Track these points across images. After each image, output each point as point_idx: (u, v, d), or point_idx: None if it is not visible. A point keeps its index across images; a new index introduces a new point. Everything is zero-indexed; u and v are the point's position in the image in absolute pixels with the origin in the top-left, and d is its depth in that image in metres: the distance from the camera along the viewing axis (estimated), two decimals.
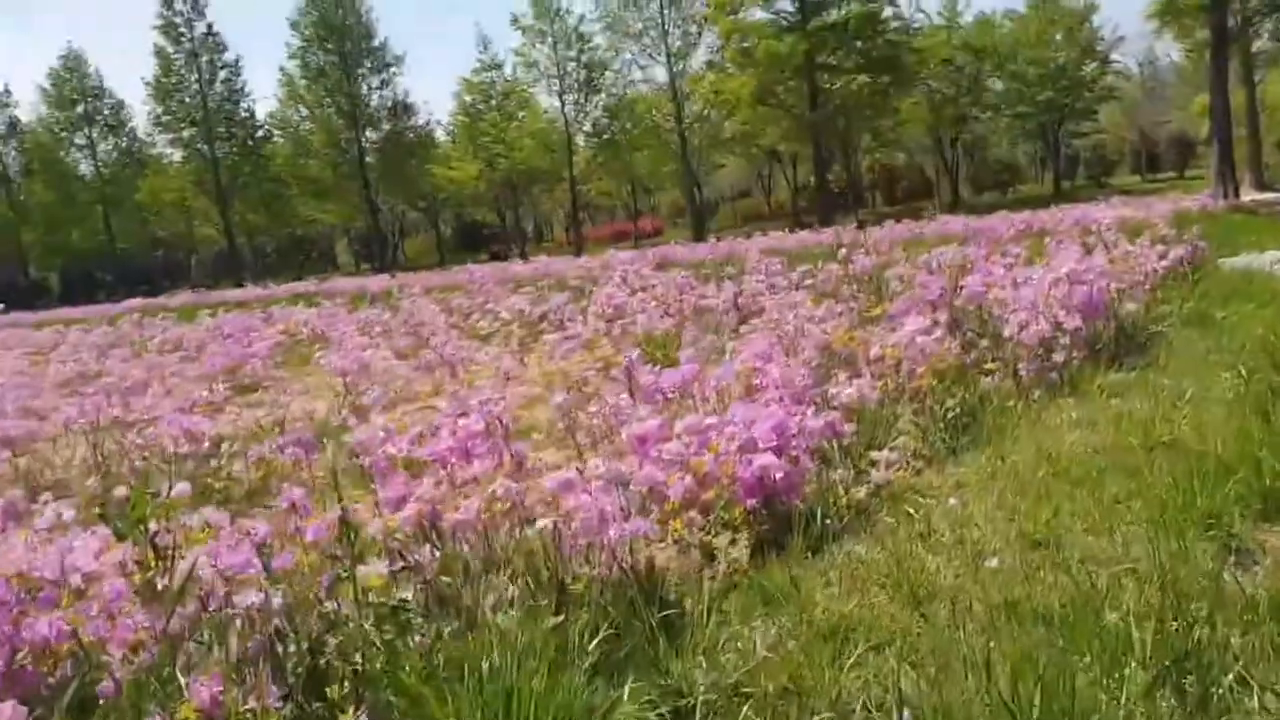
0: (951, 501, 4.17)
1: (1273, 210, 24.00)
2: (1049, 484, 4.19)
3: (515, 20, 46.39)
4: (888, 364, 5.89)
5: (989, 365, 5.94)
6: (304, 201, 52.19)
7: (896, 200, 60.88)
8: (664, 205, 79.60)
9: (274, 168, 51.22)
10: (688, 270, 16.25)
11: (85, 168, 57.34)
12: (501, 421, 4.05)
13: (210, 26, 52.68)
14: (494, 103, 48.75)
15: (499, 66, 48.27)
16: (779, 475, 3.79)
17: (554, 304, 12.75)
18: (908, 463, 4.73)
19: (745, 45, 33.12)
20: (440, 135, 55.06)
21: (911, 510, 4.08)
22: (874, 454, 4.60)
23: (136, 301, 31.13)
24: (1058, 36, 49.13)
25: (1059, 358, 6.27)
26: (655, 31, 45.23)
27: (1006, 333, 6.24)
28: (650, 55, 46.39)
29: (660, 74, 45.56)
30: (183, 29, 52.10)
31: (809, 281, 11.35)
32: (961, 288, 7.26)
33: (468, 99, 50.45)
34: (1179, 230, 11.16)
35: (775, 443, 3.96)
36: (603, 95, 47.96)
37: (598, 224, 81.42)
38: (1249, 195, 28.33)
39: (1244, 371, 5.85)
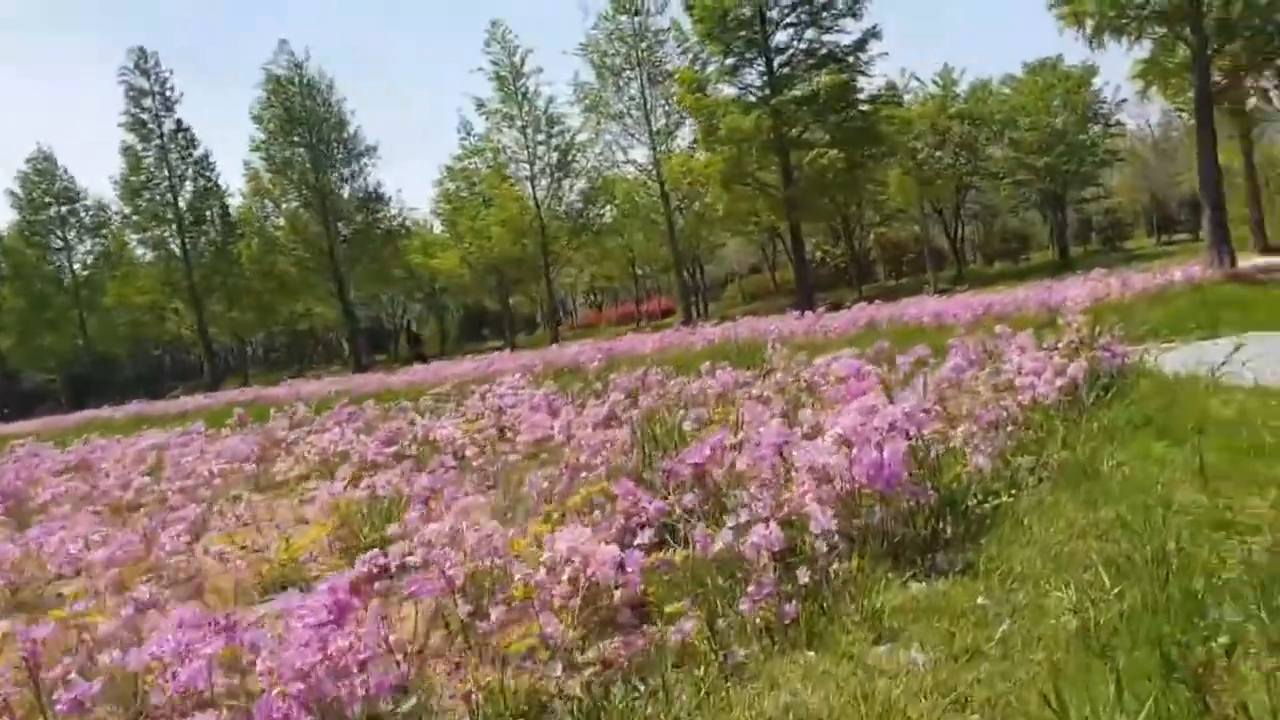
0: None
1: (1273, 277, 22.09)
2: None
3: (480, 105, 45.37)
4: (558, 588, 4.07)
5: (672, 607, 4.00)
6: (281, 298, 50.82)
7: (901, 274, 59.30)
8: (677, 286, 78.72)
9: (242, 266, 49.89)
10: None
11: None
12: None
13: (180, 122, 51.87)
14: (477, 189, 47.50)
15: (482, 152, 47.09)
16: None
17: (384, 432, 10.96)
18: None
19: (712, 123, 31.75)
20: (420, 223, 53.92)
21: None
22: None
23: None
24: (1055, 102, 47.57)
25: (806, 578, 4.20)
26: (638, 111, 44.08)
27: (716, 546, 4.30)
28: (633, 136, 45.22)
29: (643, 155, 44.45)
30: (151, 125, 51.18)
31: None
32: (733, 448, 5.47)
33: (450, 186, 49.36)
34: (1096, 327, 9.24)
35: None
36: (578, 179, 46.77)
37: (618, 305, 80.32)
38: (1251, 261, 26.41)
39: (1079, 598, 3.99)
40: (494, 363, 25.11)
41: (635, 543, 4.48)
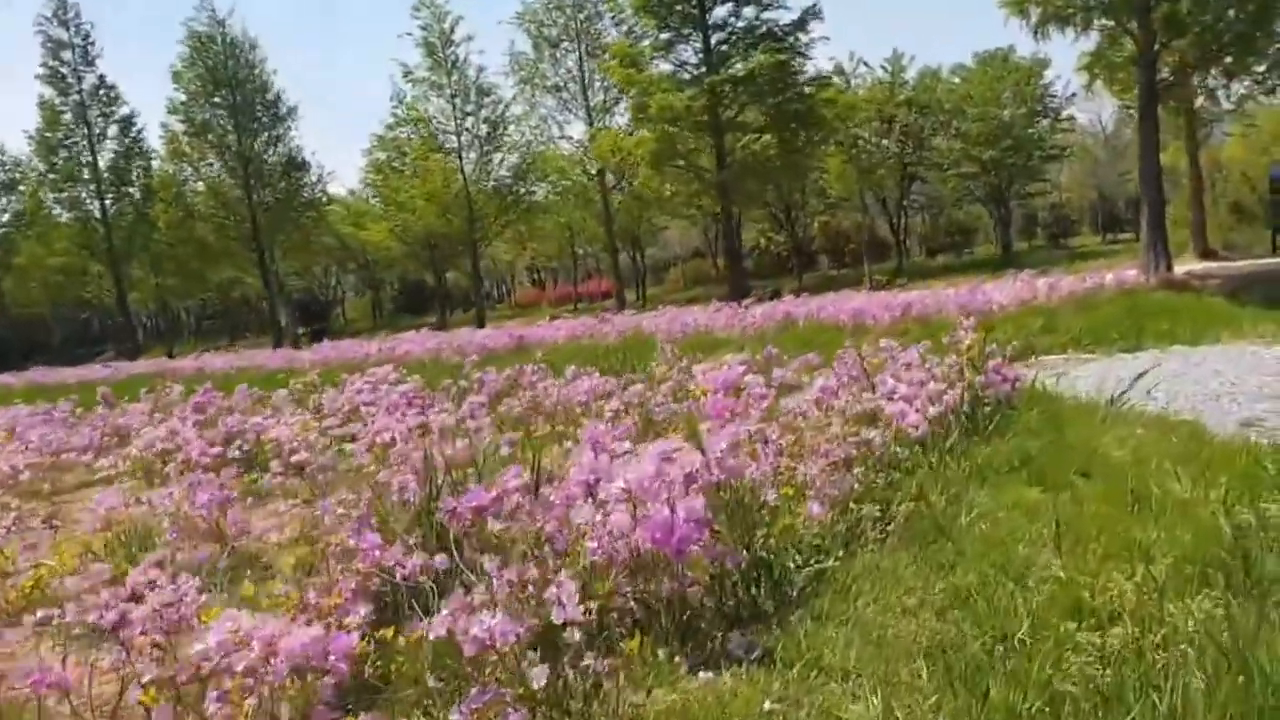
0: None
1: (1207, 285, 21.19)
2: None
3: (407, 73, 43.54)
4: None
5: None
6: (203, 265, 48.56)
7: (844, 264, 58.25)
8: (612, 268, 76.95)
9: (160, 231, 47.71)
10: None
11: None
12: None
13: (102, 79, 49.35)
14: (409, 159, 45.64)
15: (413, 122, 45.17)
16: None
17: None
18: None
19: (644, 100, 30.36)
20: (355, 193, 51.92)
21: None
22: None
23: None
24: (1005, 94, 46.62)
25: (542, 679, 3.11)
26: (575, 85, 42.58)
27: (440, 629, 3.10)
28: (570, 110, 43.72)
29: (580, 130, 42.98)
30: (70, 79, 48.61)
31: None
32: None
33: (380, 155, 47.46)
34: (986, 343, 8.04)
35: None
36: (509, 154, 45.12)
37: (559, 285, 78.70)
38: (1188, 267, 25.58)
39: (886, 708, 2.99)
40: (400, 345, 23.71)
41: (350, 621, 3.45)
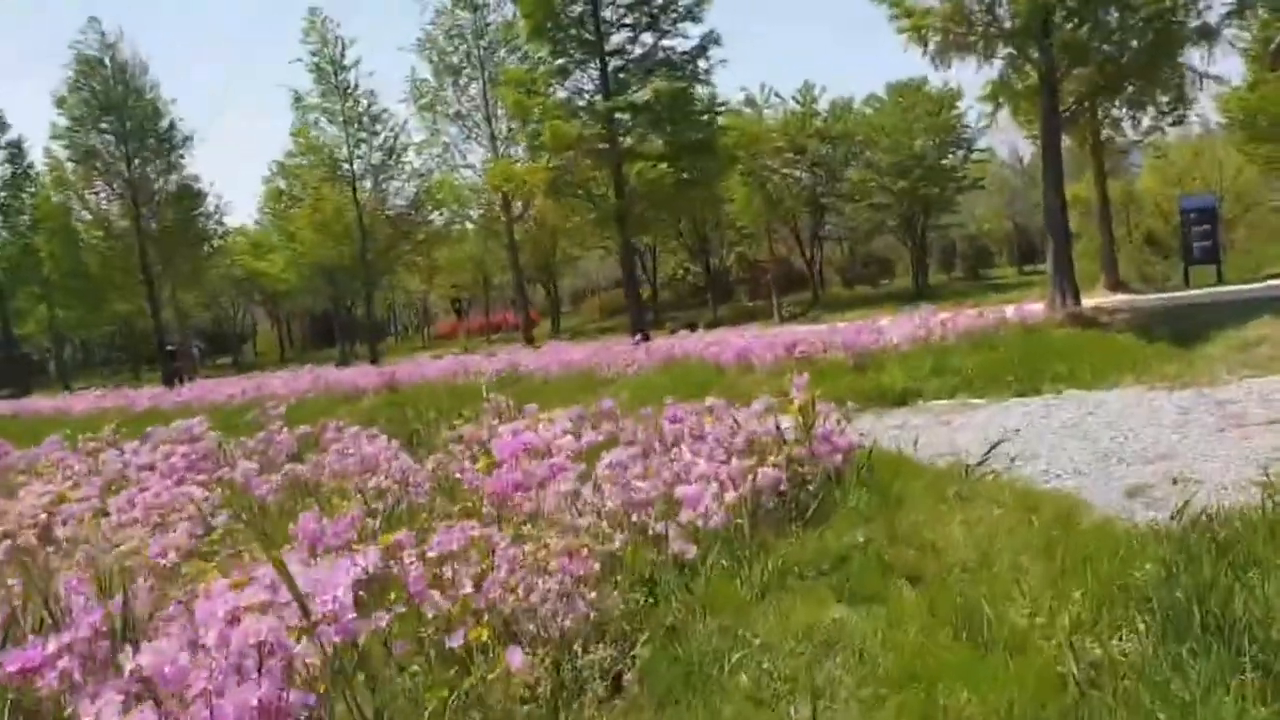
0: None
1: (1115, 320, 20.35)
2: None
3: (298, 99, 41.79)
4: None
5: None
6: (87, 298, 45.90)
7: (759, 295, 57.37)
8: (562, 291, 75.01)
9: (44, 262, 45.04)
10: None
11: None
12: None
13: None
14: (301, 188, 43.75)
15: (313, 149, 43.22)
16: None
17: None
18: None
19: (537, 127, 29.12)
20: (258, 223, 49.78)
21: None
22: None
23: None
24: (917, 124, 46.09)
25: None
26: (479, 114, 41.24)
27: None
28: (473, 139, 42.31)
29: (482, 159, 41.39)
30: None
31: None
32: None
33: (281, 184, 45.54)
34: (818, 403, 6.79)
35: None
36: (405, 182, 43.55)
37: (484, 315, 76.46)
38: (1098, 300, 24.86)
39: None
40: (263, 385, 22.10)
41: None
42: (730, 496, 4.86)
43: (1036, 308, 21.49)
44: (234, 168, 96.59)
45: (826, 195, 49.65)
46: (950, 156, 47.98)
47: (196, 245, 45.93)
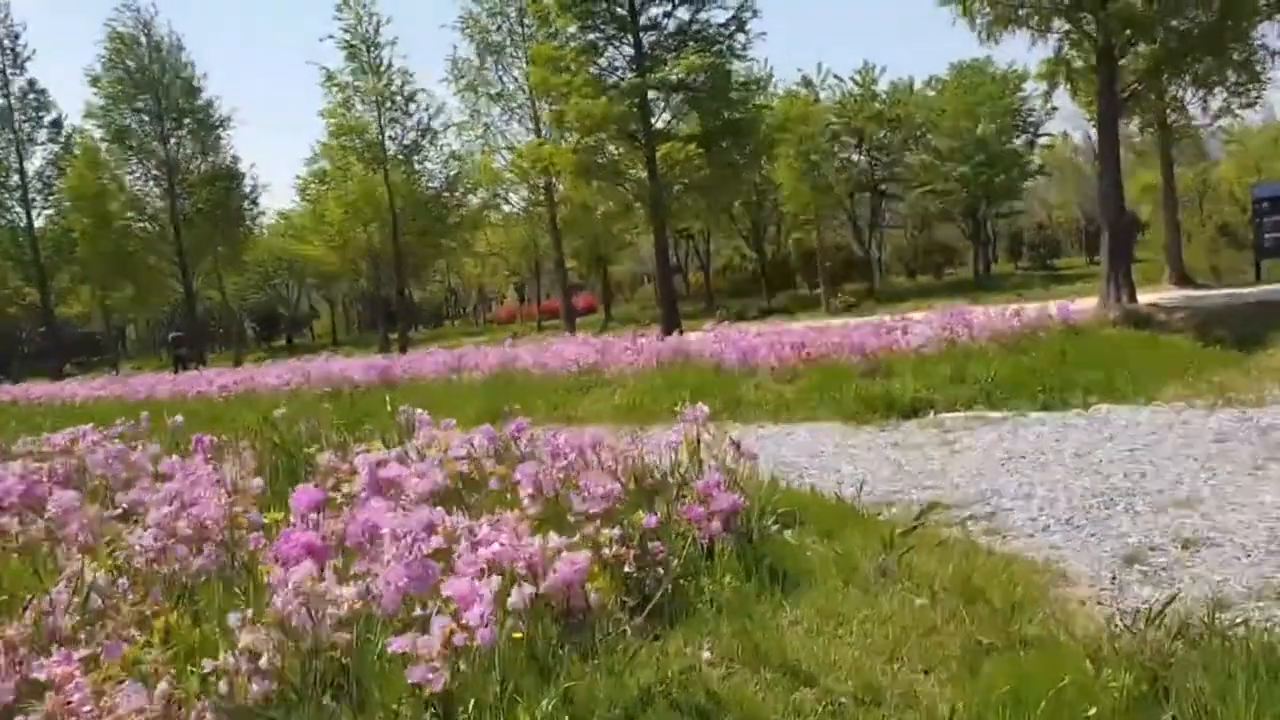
0: None
1: (1173, 319, 18.60)
2: None
3: (330, 77, 40.80)
4: None
5: None
6: (123, 279, 45.47)
7: (816, 285, 55.52)
8: (621, 276, 73.61)
9: (79, 242, 44.54)
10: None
11: None
12: None
13: (33, 83, 46.70)
14: (333, 169, 42.93)
15: (349, 130, 42.23)
16: None
17: None
18: None
19: (561, 107, 27.81)
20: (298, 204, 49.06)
21: None
22: None
23: None
24: (981, 107, 43.88)
25: None
26: (522, 94, 40.00)
27: None
28: (518, 120, 41.16)
29: (524, 141, 40.02)
30: None
31: None
32: None
33: (325, 165, 44.63)
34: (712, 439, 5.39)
35: None
36: (438, 165, 42.56)
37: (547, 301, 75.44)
38: (1159, 295, 23.01)
39: None
40: (256, 377, 21.27)
41: None
42: (514, 600, 3.52)
43: (1089, 304, 19.82)
44: (278, 149, 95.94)
45: (886, 181, 47.75)
46: (1015, 141, 45.79)
47: (233, 227, 45.38)
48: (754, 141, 29.03)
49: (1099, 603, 4.76)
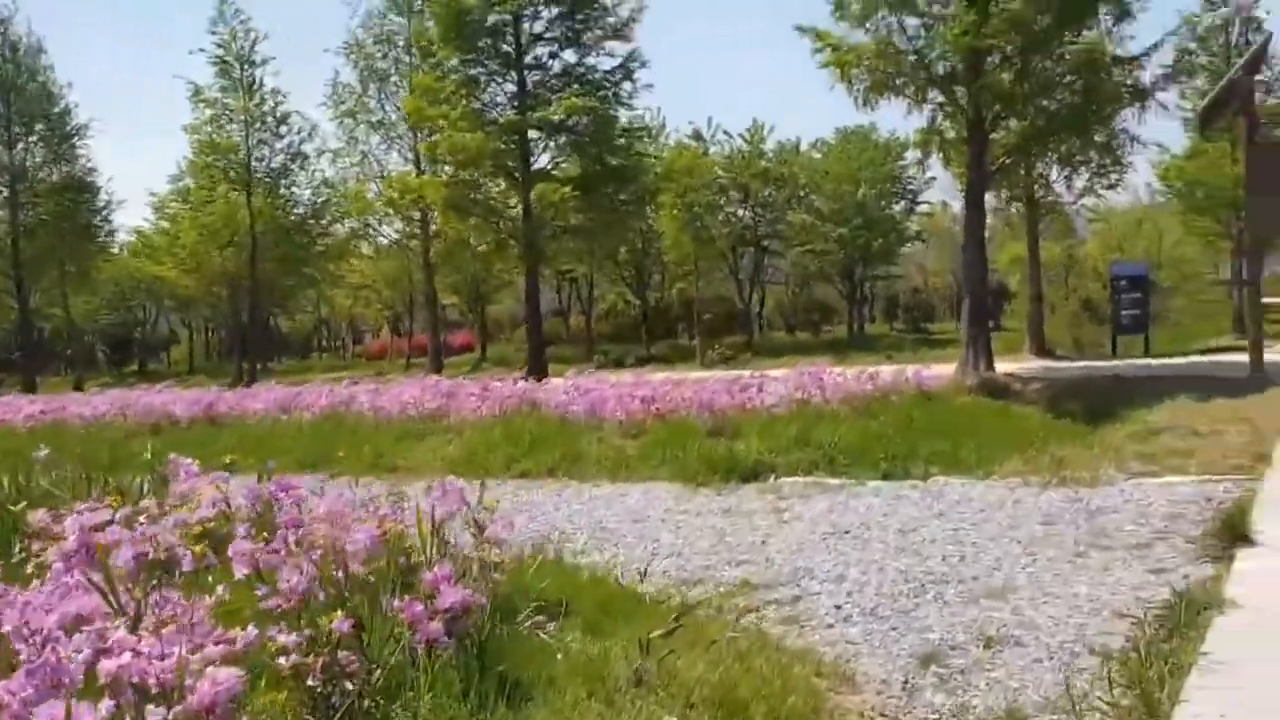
0: None
1: (1028, 389, 18.68)
2: None
3: (197, 93, 38.97)
4: None
5: None
6: None
7: (697, 333, 55.50)
8: (501, 315, 72.23)
9: None
10: None
11: None
12: None
13: None
14: (193, 190, 41.00)
15: (220, 149, 40.44)
16: None
17: None
18: None
19: (434, 138, 27.17)
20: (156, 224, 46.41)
21: None
22: None
23: None
24: (862, 172, 44.61)
25: None
26: (404, 124, 39.01)
27: None
28: (396, 150, 40.17)
29: (401, 171, 39.04)
30: None
31: None
32: None
33: (189, 183, 42.70)
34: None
35: None
36: (306, 190, 41.23)
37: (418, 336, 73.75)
38: (1019, 365, 23.26)
39: None
40: (66, 406, 19.94)
41: None
42: None
43: (949, 369, 19.86)
44: (139, 164, 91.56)
45: (769, 237, 48.12)
46: (894, 207, 46.67)
47: (82, 242, 42.91)
48: (638, 188, 28.75)
49: (882, 714, 4.35)
